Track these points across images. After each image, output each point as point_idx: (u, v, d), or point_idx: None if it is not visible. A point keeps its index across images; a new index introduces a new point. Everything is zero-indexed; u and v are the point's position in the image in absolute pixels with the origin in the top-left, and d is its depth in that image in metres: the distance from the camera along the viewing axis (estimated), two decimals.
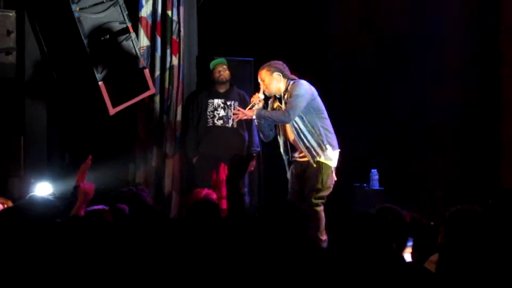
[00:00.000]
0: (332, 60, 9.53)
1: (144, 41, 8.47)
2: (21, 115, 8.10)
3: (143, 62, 8.07)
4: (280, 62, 7.07)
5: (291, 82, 6.96)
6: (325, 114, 7.01)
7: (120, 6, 7.85)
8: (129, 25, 7.92)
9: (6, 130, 7.93)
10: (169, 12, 8.53)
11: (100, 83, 7.80)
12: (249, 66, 8.86)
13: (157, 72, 8.53)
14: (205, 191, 5.59)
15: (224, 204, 5.45)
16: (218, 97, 8.52)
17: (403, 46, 9.01)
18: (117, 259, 3.64)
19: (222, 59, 8.58)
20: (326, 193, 6.87)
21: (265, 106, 7.10)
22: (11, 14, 7.91)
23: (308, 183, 6.88)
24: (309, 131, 6.88)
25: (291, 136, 6.95)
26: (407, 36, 9.00)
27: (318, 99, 7.00)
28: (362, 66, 9.24)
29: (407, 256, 4.55)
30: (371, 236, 3.45)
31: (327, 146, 6.87)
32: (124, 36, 7.91)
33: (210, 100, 8.51)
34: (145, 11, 8.48)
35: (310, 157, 6.86)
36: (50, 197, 5.28)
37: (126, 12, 7.89)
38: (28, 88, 8.15)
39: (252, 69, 8.64)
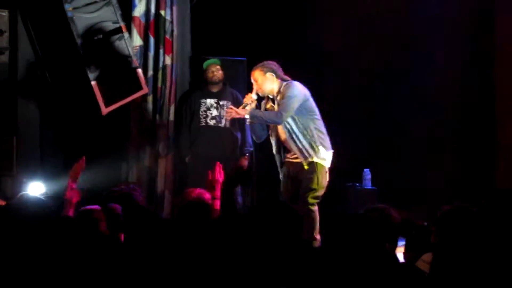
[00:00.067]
0: (329, 60, 9.52)
1: (137, 41, 8.46)
2: (14, 115, 8.10)
3: (136, 62, 8.07)
4: (274, 63, 7.06)
5: (284, 83, 6.96)
6: (318, 115, 7.01)
7: (113, 5, 7.84)
8: (122, 24, 7.92)
9: None
10: (162, 12, 8.53)
11: (93, 82, 7.80)
12: (242, 66, 8.86)
13: (150, 72, 8.52)
14: (198, 190, 5.60)
15: (217, 205, 5.44)
16: (211, 97, 8.52)
17: (402, 46, 9.02)
18: (108, 259, 3.64)
19: (216, 60, 8.57)
20: (321, 192, 6.88)
21: (258, 106, 7.09)
22: (4, 14, 7.90)
23: (303, 184, 6.88)
24: (301, 132, 6.87)
25: (283, 135, 6.95)
26: (407, 36, 9.01)
27: (311, 100, 6.99)
28: (361, 65, 9.23)
29: (400, 256, 4.56)
30: (363, 236, 3.46)
31: (320, 147, 6.87)
32: (117, 36, 7.91)
33: (203, 100, 8.51)
34: (138, 10, 8.47)
35: (302, 158, 6.86)
36: (42, 197, 5.28)
37: (119, 12, 7.89)
38: (21, 87, 8.14)
39: (245, 69, 8.64)
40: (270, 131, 7.10)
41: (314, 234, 6.72)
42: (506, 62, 8.53)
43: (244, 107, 6.98)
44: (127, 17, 8.25)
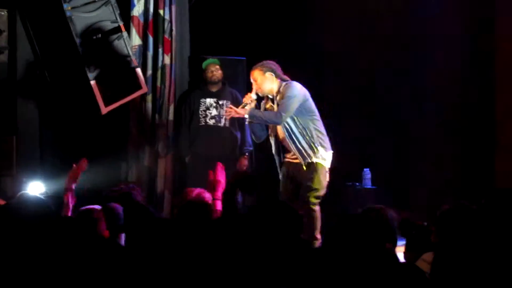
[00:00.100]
0: (329, 60, 9.52)
1: (136, 40, 8.45)
2: (13, 114, 8.09)
3: (135, 61, 8.06)
4: (273, 62, 7.05)
5: (284, 83, 6.95)
6: (318, 116, 7.00)
7: (112, 5, 7.84)
8: (121, 24, 7.91)
9: None
10: (161, 11, 8.53)
11: (92, 82, 7.79)
12: (241, 65, 8.86)
13: (149, 71, 8.52)
14: (197, 190, 5.59)
15: (218, 205, 5.44)
16: (210, 96, 8.51)
17: (402, 46, 9.02)
18: (108, 259, 3.63)
19: (215, 59, 8.56)
20: (322, 192, 6.88)
21: (258, 106, 7.09)
22: (2, 13, 7.89)
23: (304, 184, 6.88)
24: (300, 133, 6.87)
25: (281, 134, 6.95)
26: (407, 36, 9.01)
27: (311, 101, 6.99)
28: (361, 65, 9.23)
29: (400, 255, 4.56)
30: (362, 235, 3.45)
31: (319, 147, 6.87)
32: (116, 35, 7.90)
33: (202, 99, 8.51)
34: (137, 10, 8.46)
35: (301, 158, 6.86)
36: (42, 196, 5.28)
37: (118, 11, 7.88)
38: (20, 87, 8.14)
39: (244, 69, 8.63)
40: (269, 131, 7.09)
41: (316, 234, 6.73)
42: (506, 62, 8.52)
43: (243, 107, 6.97)
44: (126, 16, 8.25)
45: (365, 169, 9.03)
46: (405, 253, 4.72)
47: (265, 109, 7.07)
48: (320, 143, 6.89)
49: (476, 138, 8.78)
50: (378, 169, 9.06)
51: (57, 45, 8.18)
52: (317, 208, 6.82)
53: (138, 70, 8.06)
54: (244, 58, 8.84)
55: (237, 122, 8.34)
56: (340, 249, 3.44)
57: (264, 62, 7.05)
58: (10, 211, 3.54)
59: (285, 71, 7.05)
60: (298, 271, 3.50)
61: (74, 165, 6.03)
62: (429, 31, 8.87)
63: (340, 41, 9.29)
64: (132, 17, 8.44)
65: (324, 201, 6.97)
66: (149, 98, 8.53)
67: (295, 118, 6.87)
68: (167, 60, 8.57)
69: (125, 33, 7.93)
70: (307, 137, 6.86)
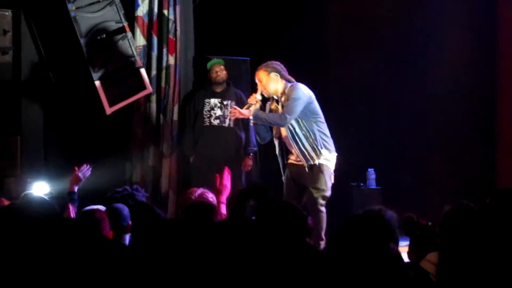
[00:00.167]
0: (331, 61, 9.52)
1: (141, 41, 8.46)
2: (18, 115, 8.10)
3: (139, 62, 8.05)
4: (278, 63, 7.05)
5: (289, 84, 6.94)
6: (322, 118, 7.00)
7: (116, 5, 7.83)
8: (126, 24, 7.91)
9: (2, 130, 7.93)
10: (166, 11, 8.52)
11: (96, 82, 7.79)
12: (246, 66, 8.86)
13: (154, 72, 8.52)
14: (200, 190, 5.58)
15: (222, 209, 5.45)
16: (214, 97, 8.52)
17: (403, 46, 9.01)
18: (112, 259, 3.63)
19: (220, 60, 8.57)
20: (327, 193, 6.88)
21: (263, 107, 7.08)
22: (7, 13, 7.89)
23: (308, 185, 6.88)
24: (304, 135, 6.86)
25: (284, 134, 6.94)
26: (407, 36, 9.00)
27: (315, 103, 6.98)
28: (361, 66, 9.22)
29: (404, 255, 4.55)
30: (366, 236, 3.45)
31: (323, 150, 6.86)
32: (121, 36, 7.90)
33: (207, 100, 8.51)
34: (142, 10, 8.47)
35: (304, 161, 6.86)
36: (46, 197, 5.28)
37: (122, 12, 7.88)
38: (25, 87, 8.14)
39: (249, 69, 8.64)
40: (274, 133, 7.09)
41: (322, 234, 6.73)
42: (506, 62, 8.52)
43: (248, 108, 6.96)
44: (130, 16, 8.25)
45: (369, 169, 9.02)
46: (409, 252, 4.71)
47: (270, 110, 7.06)
48: (324, 145, 6.89)
49: (476, 138, 8.77)
50: (383, 169, 9.04)
51: (62, 45, 8.18)
52: (323, 209, 6.82)
53: (143, 70, 8.05)
54: (249, 59, 8.84)
55: (242, 122, 8.35)
56: (343, 251, 3.43)
57: (269, 62, 7.04)
58: (15, 212, 3.54)
59: (289, 72, 7.05)
60: (303, 272, 3.50)
61: (76, 169, 6.06)
62: (429, 31, 8.87)
63: (344, 42, 9.30)
64: (137, 17, 8.44)
65: (329, 202, 6.97)
66: (154, 98, 8.53)
67: (300, 120, 6.86)
68: (171, 60, 8.57)
69: (129, 33, 7.93)
70: (311, 139, 6.85)
